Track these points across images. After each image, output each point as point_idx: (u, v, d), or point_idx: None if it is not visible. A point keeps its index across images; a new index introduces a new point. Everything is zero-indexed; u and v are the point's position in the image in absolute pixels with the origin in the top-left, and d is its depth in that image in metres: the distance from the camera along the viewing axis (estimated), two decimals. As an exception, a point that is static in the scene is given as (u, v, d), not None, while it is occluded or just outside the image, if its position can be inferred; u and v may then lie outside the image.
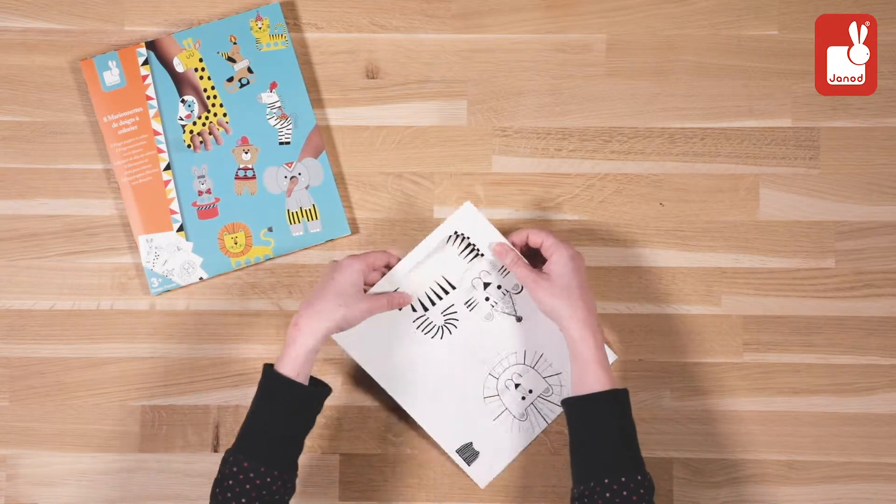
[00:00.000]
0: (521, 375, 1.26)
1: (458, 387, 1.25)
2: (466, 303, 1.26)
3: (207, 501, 1.10)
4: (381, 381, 1.24)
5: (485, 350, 1.26)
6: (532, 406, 1.26)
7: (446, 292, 1.26)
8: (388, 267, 1.25)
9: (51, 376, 1.28)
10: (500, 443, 1.26)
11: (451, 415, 1.25)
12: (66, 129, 1.30)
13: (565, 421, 1.17)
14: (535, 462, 1.27)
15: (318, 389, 1.17)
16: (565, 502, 1.23)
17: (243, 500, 1.09)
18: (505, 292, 1.26)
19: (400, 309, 1.25)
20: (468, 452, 1.25)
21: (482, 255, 1.25)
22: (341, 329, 1.17)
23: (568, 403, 1.16)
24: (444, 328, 1.26)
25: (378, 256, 1.24)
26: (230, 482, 1.10)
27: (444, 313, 1.26)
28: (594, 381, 1.14)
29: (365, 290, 1.23)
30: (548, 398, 1.26)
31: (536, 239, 1.22)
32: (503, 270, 1.26)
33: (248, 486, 1.09)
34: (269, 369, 1.15)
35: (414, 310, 1.25)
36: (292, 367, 1.14)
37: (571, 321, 1.16)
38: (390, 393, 1.24)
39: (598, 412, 1.13)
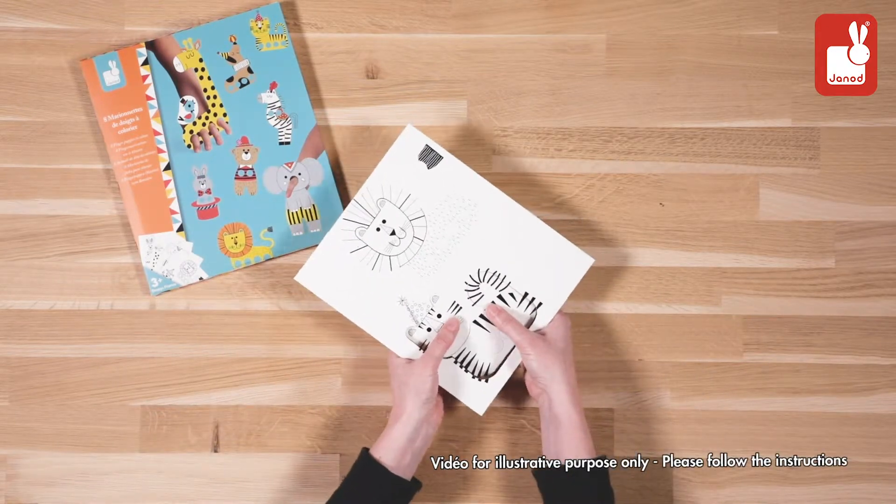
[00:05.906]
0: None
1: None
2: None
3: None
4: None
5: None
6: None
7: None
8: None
9: (51, 376, 1.28)
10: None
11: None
12: (66, 129, 1.30)
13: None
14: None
15: (412, 484, 1.17)
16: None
17: None
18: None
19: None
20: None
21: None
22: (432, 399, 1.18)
23: (543, 476, 1.16)
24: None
25: (440, 349, 1.19)
26: None
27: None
28: (575, 448, 1.14)
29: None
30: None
31: None
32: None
33: None
34: (367, 456, 1.15)
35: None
36: (394, 458, 1.15)
37: (562, 385, 1.16)
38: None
39: (577, 491, 1.13)
